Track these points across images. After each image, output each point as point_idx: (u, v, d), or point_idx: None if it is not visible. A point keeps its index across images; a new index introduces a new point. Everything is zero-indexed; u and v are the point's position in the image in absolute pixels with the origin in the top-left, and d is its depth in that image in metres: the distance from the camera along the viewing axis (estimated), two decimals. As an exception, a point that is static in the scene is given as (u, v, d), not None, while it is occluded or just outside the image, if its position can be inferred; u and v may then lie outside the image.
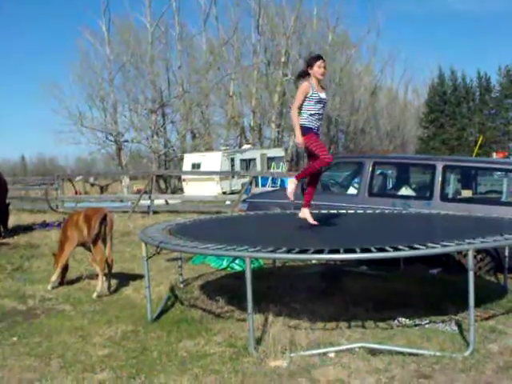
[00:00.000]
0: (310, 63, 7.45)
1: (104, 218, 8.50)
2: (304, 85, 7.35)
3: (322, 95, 7.40)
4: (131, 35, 47.03)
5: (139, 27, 48.63)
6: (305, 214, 7.82)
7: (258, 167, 39.14)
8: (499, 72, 60.72)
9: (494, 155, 35.45)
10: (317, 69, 7.38)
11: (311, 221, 7.72)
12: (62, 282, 9.00)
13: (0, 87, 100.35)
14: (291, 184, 7.70)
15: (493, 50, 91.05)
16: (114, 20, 47.87)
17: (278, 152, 43.99)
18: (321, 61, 7.42)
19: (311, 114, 7.32)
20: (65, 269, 9.05)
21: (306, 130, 7.31)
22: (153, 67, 46.57)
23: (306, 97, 7.31)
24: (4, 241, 13.90)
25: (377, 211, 9.71)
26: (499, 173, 11.81)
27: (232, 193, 31.48)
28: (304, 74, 7.50)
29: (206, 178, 33.67)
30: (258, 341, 5.98)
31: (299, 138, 7.35)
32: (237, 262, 9.93)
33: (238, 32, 51.00)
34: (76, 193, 30.03)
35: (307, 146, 7.36)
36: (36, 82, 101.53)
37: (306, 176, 7.87)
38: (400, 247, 5.73)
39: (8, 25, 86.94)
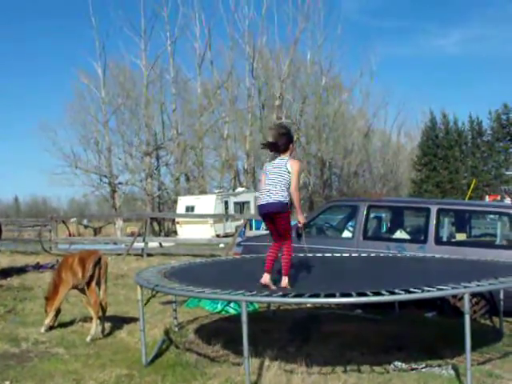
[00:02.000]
0: (292, 140, 7.05)
1: (98, 261, 8.48)
2: (301, 163, 7.01)
3: None
4: (126, 78, 47.63)
5: (134, 70, 49.39)
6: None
7: (252, 210, 39.16)
8: (490, 116, 61.34)
9: (487, 198, 35.59)
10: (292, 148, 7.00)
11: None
12: (53, 325, 8.92)
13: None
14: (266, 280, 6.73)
15: (484, 94, 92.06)
16: (109, 63, 48.61)
17: (272, 195, 44.02)
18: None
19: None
20: (57, 311, 8.99)
21: (288, 208, 6.86)
22: (147, 110, 46.99)
23: (290, 173, 6.77)
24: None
25: (371, 255, 9.72)
26: (492, 216, 11.86)
27: (226, 236, 31.48)
28: (287, 147, 6.91)
29: (200, 221, 33.71)
30: (254, 385, 5.94)
31: (303, 218, 7.20)
32: (231, 305, 9.89)
33: (233, 75, 51.66)
34: (70, 235, 30.04)
35: (283, 224, 6.82)
36: (30, 123, 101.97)
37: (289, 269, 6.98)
38: (396, 291, 5.73)
39: (2, 65, 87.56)
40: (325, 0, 54.75)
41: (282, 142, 6.83)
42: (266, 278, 6.65)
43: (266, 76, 52.84)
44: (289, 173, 6.71)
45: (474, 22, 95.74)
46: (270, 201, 6.68)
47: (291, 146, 6.94)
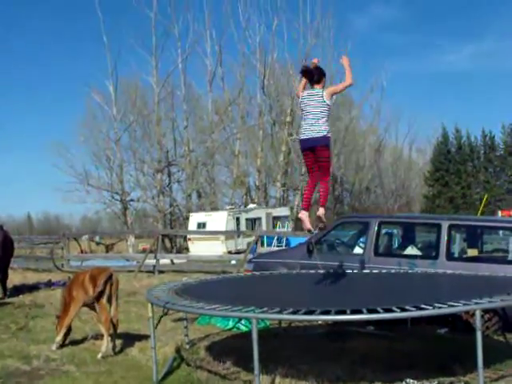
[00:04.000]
0: (325, 75, 7.32)
1: (109, 278, 8.49)
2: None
3: None
4: (138, 95, 47.81)
5: (146, 87, 49.47)
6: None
7: (264, 226, 39.16)
8: (503, 130, 61.21)
9: (500, 213, 35.41)
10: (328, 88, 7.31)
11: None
12: (65, 340, 8.93)
13: (6, 145, 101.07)
14: (303, 216, 7.20)
15: (496, 108, 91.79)
16: (120, 80, 48.70)
17: (283, 211, 44.11)
18: None
19: None
20: (67, 330, 8.99)
21: (329, 141, 7.16)
22: (159, 127, 47.14)
23: (329, 105, 7.18)
24: (9, 300, 13.85)
25: (383, 271, 9.68)
26: (505, 231, 11.80)
27: (237, 252, 31.41)
28: (322, 78, 7.27)
29: (212, 238, 33.69)
30: (265, 403, 5.92)
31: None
32: (243, 322, 9.85)
33: (244, 92, 51.73)
34: (82, 251, 30.06)
35: (325, 157, 7.12)
36: (42, 140, 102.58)
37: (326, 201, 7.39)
38: (407, 307, 5.71)
39: (15, 83, 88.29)
40: (335, 16, 54.74)
41: (316, 72, 7.23)
42: (303, 215, 7.07)
43: (276, 92, 52.93)
44: (327, 104, 7.05)
45: (485, 36, 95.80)
46: (314, 135, 6.98)
47: (324, 79, 7.26)
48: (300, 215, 7.12)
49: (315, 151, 7.05)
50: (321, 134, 6.95)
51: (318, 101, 7.05)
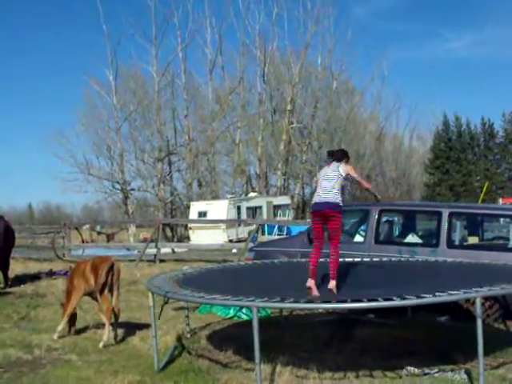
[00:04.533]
0: (348, 157, 7.67)
1: (111, 267, 8.49)
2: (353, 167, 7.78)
3: None
4: (138, 84, 47.74)
5: (146, 76, 49.43)
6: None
7: (265, 215, 39.19)
8: (503, 118, 61.10)
9: (500, 201, 35.42)
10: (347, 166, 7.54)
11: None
12: (70, 330, 8.96)
13: (7, 135, 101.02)
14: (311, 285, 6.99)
15: (496, 96, 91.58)
16: (120, 69, 48.63)
17: (284, 200, 44.13)
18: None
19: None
20: (73, 318, 9.01)
21: (341, 210, 7.26)
22: (159, 116, 47.09)
23: (345, 179, 7.48)
24: (10, 289, 13.88)
25: (383, 259, 9.69)
26: (505, 219, 11.80)
27: (238, 241, 31.47)
28: (343, 158, 7.58)
29: (213, 226, 33.72)
30: (266, 391, 5.93)
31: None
32: (244, 310, 9.88)
33: (244, 81, 51.69)
34: (83, 241, 30.10)
35: (336, 225, 7.17)
36: (43, 130, 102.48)
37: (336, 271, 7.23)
38: (407, 296, 5.71)
39: (15, 73, 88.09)
40: (335, 4, 54.70)
41: (339, 153, 7.68)
42: (311, 284, 6.88)
43: (277, 81, 52.88)
44: (342, 177, 7.29)
45: (485, 24, 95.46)
46: (328, 200, 7.10)
47: (346, 159, 7.60)
48: (308, 284, 6.88)
49: (327, 215, 7.12)
50: (334, 200, 7.10)
51: (336, 173, 7.29)
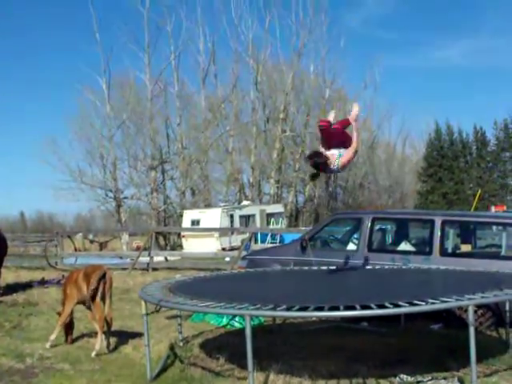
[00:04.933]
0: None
1: (103, 276, 8.48)
2: None
3: None
4: (131, 92, 47.67)
5: (139, 84, 49.35)
6: None
7: (258, 223, 39.15)
8: (495, 126, 61.35)
9: (493, 209, 35.48)
10: None
11: None
12: (67, 340, 8.93)
13: None
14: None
15: (487, 105, 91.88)
16: (113, 77, 48.57)
17: (277, 208, 44.11)
18: None
19: None
20: (70, 327, 8.99)
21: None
22: (152, 124, 47.09)
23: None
24: (2, 298, 13.82)
25: (376, 267, 9.69)
26: (498, 227, 11.83)
27: (231, 249, 31.40)
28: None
29: (206, 235, 33.68)
30: (259, 399, 5.92)
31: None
32: (237, 319, 9.87)
33: (237, 89, 51.73)
34: (75, 249, 30.00)
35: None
36: (35, 138, 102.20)
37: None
38: (400, 303, 5.72)
39: (5, 81, 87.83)
40: (327, 12, 54.74)
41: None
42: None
43: (270, 89, 52.97)
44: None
45: (478, 32, 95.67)
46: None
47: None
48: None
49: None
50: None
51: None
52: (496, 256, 10.32)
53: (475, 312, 6.05)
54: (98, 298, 8.41)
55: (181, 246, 38.22)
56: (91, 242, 37.39)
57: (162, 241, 43.35)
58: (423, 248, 10.58)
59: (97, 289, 8.39)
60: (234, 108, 51.12)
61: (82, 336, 9.31)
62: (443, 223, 10.11)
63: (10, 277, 16.76)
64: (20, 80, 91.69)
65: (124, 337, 9.09)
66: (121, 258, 25.31)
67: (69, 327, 8.96)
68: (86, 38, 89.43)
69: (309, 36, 53.01)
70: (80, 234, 34.87)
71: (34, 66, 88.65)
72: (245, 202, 44.17)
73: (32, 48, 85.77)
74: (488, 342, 8.08)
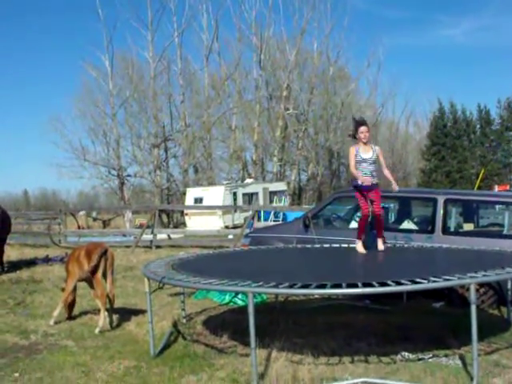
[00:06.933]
0: (355, 128, 8.56)
1: (104, 253, 8.51)
2: (350, 149, 8.63)
3: (365, 155, 8.46)
4: (134, 70, 47.54)
5: (142, 62, 49.19)
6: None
7: (261, 201, 39.16)
8: (499, 104, 60.99)
9: (496, 188, 35.43)
10: (360, 135, 8.49)
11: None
12: (69, 316, 8.99)
13: (3, 121, 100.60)
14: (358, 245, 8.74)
15: (491, 83, 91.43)
16: (116, 55, 48.43)
17: (280, 186, 44.10)
18: (363, 127, 8.49)
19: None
20: (72, 303, 9.04)
21: (355, 187, 8.67)
22: (155, 102, 46.94)
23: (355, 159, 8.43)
24: (6, 276, 13.89)
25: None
26: (501, 206, 11.82)
27: (234, 227, 31.44)
28: (354, 137, 8.62)
29: (209, 212, 33.71)
30: (261, 376, 5.96)
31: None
32: (240, 296, 9.91)
33: (240, 67, 51.48)
34: (79, 227, 30.11)
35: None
36: (38, 116, 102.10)
37: (363, 230, 8.77)
38: (402, 281, 5.73)
39: (9, 58, 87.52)
40: (331, -11, 54.29)
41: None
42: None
43: (273, 67, 52.70)
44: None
45: (482, 11, 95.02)
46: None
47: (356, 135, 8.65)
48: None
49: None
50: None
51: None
52: (498, 235, 10.32)
53: (477, 290, 6.07)
54: (99, 275, 8.45)
55: (184, 224, 38.26)
56: (94, 219, 37.51)
57: (165, 218, 43.39)
58: (426, 226, 10.56)
59: (97, 266, 8.42)
60: (237, 86, 50.93)
61: (86, 313, 9.37)
62: (446, 202, 10.11)
63: (14, 254, 16.86)
64: (24, 58, 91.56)
65: (127, 314, 9.15)
66: (124, 235, 25.40)
67: (71, 304, 9.01)
68: (89, 15, 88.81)
69: (312, 13, 52.70)
70: (83, 212, 34.97)
71: (38, 44, 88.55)
72: (248, 180, 44.13)
73: (35, 25, 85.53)
74: (489, 321, 8.12)
